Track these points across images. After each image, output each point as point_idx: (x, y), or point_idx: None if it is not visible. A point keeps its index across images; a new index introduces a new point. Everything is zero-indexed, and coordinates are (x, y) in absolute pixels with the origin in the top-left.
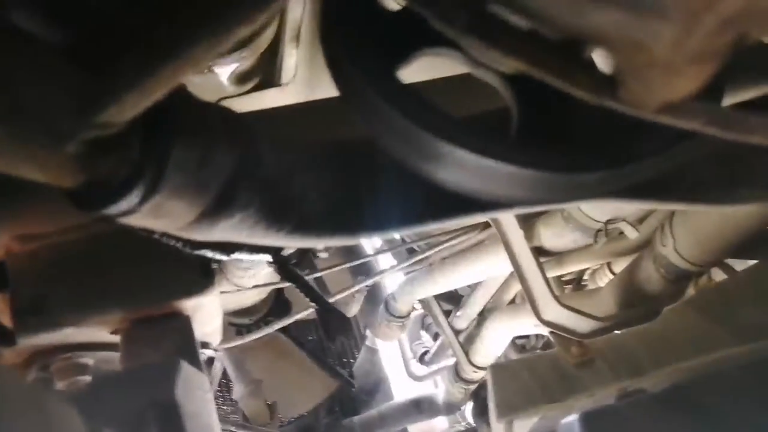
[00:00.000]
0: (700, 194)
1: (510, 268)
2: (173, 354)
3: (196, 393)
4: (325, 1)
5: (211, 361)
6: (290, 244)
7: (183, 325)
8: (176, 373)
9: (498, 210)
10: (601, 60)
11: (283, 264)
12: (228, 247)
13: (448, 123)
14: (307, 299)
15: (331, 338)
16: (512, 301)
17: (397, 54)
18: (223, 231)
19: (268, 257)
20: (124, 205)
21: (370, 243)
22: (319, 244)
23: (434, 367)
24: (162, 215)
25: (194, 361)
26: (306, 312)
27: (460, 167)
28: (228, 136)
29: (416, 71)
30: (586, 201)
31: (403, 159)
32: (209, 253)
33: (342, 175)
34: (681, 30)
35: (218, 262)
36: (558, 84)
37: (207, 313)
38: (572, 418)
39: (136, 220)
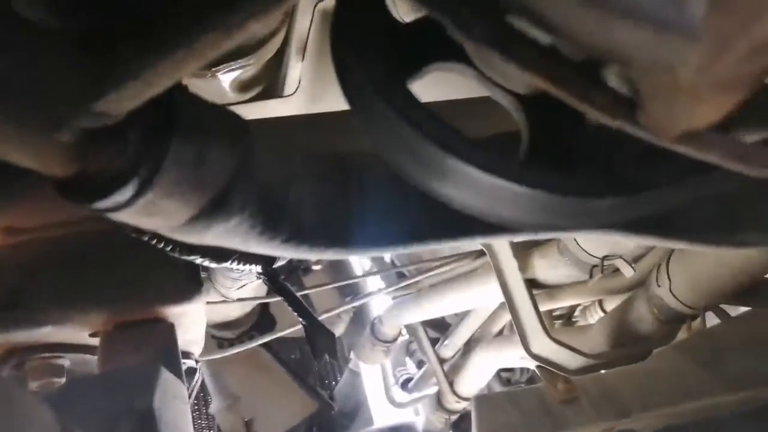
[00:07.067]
0: (703, 234)
1: (499, 299)
2: (154, 361)
3: (174, 402)
4: (337, 9)
5: (191, 371)
6: (284, 253)
7: (166, 331)
8: (156, 380)
9: (501, 233)
10: (617, 82)
11: (273, 276)
12: (220, 255)
13: (457, 138)
14: (296, 314)
15: (318, 356)
16: (500, 333)
17: (409, 67)
18: (217, 235)
19: (259, 268)
20: (115, 199)
21: (359, 264)
22: (312, 256)
23: (416, 394)
24: (155, 213)
25: (175, 369)
26: (290, 330)
27: (468, 185)
28: (227, 137)
29: (426, 91)
30: (591, 232)
31: (409, 173)
32: (200, 260)
33: (340, 188)
34: (710, 54)
35: (207, 270)
36: (575, 103)
37: (191, 322)
38: None
39: (128, 217)
